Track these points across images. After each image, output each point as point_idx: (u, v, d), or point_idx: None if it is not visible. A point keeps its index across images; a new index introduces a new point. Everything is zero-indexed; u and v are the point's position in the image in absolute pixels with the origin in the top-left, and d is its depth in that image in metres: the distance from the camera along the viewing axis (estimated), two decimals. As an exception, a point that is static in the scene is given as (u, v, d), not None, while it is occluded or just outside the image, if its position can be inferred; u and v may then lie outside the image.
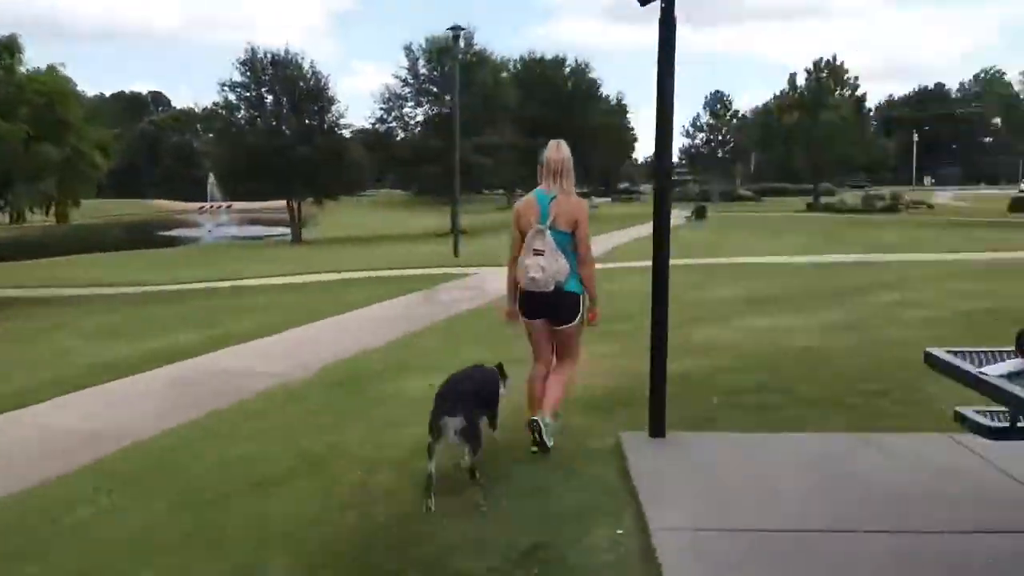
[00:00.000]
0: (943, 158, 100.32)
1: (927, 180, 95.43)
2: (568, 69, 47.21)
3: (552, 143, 4.20)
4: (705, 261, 17.16)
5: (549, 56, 47.16)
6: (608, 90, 49.69)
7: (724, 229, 30.49)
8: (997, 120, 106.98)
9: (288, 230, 41.11)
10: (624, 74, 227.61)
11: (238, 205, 61.76)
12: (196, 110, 79.33)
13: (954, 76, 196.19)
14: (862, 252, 18.21)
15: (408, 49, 40.87)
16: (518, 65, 46.40)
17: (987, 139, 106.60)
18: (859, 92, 57.49)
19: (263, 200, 49.31)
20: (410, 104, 42.06)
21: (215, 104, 39.65)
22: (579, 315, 4.17)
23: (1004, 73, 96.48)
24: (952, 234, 25.62)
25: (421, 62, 40.82)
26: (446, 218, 41.43)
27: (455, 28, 22.56)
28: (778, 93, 58.10)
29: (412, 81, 41.07)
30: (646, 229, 30.37)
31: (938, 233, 26.51)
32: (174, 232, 52.77)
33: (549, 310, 4.15)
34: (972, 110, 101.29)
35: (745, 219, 39.91)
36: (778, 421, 4.25)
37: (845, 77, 56.33)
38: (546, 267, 3.92)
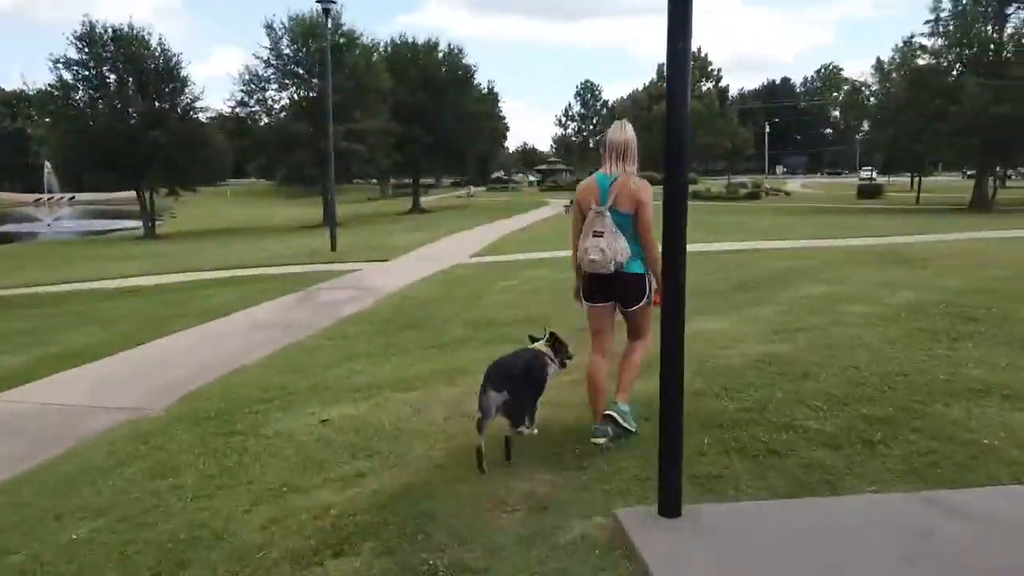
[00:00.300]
0: (790, 148, 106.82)
1: (779, 169, 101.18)
2: (441, 54, 45.63)
3: (616, 123, 4.16)
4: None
5: (421, 40, 45.42)
6: (477, 78, 48.18)
7: (606, 218, 30.18)
8: (836, 112, 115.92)
9: (140, 223, 37.49)
10: (489, 63, 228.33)
11: (83, 196, 56.55)
12: (28, 91, 71.42)
13: (798, 71, 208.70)
14: (749, 239, 18.15)
15: (270, 27, 37.94)
16: (388, 48, 44.32)
17: (827, 130, 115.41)
18: (721, 84, 59.83)
19: (113, 191, 45.03)
20: (274, 87, 39.21)
21: (49, 85, 35.28)
22: (647, 295, 4.04)
23: (842, 69, 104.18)
24: (822, 220, 26.46)
25: (285, 41, 38.04)
26: (317, 209, 39.21)
27: (324, 1, 20.71)
28: (647, 83, 59.44)
29: (275, 62, 38.21)
30: (529, 218, 29.53)
31: (808, 219, 27.34)
32: (7, 227, 47.39)
33: (614, 294, 4.06)
34: (815, 103, 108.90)
35: (622, 207, 40.15)
36: (804, 473, 3.32)
37: (709, 69, 58.31)
38: (606, 248, 3.86)
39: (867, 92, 39.49)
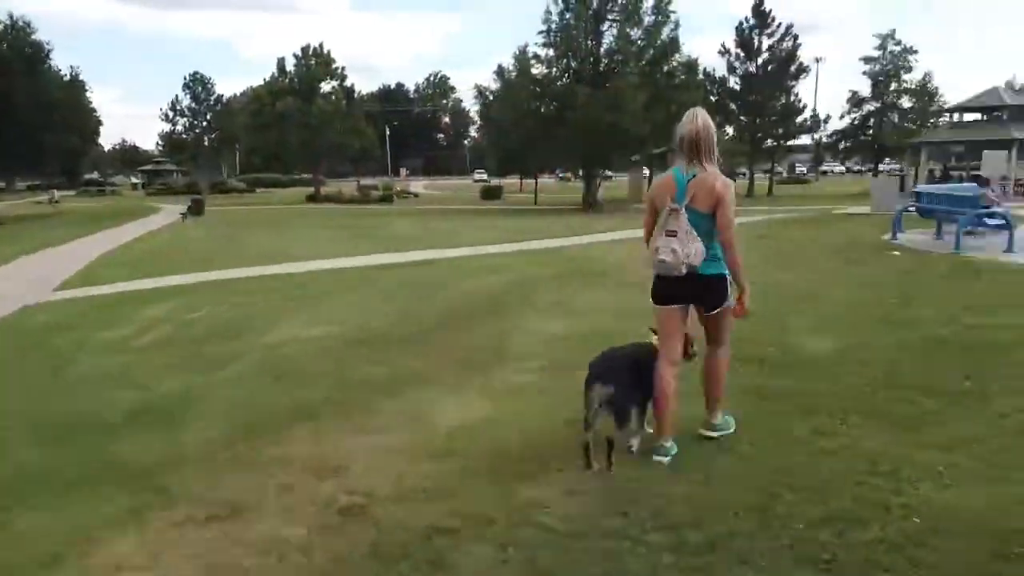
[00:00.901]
0: (408, 151, 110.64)
1: (402, 171, 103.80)
2: (1, 26, 36.37)
3: (688, 113, 3.82)
4: (244, 273, 13.20)
5: (-32, 7, 35.70)
6: (58, 63, 39.62)
7: (234, 227, 26.23)
8: (447, 119, 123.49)
9: None
10: (74, 49, 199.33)
11: None
12: None
13: (409, 78, 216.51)
14: (411, 249, 16.37)
15: None
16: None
17: (440, 135, 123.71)
18: (347, 83, 58.02)
19: None
20: None
21: None
22: (728, 297, 3.82)
23: (449, 78, 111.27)
24: (467, 223, 25.86)
25: None
26: None
27: None
28: (267, 78, 55.17)
29: None
30: (138, 228, 24.10)
31: (459, 221, 26.60)
32: None
33: (692, 297, 3.88)
34: (428, 108, 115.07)
35: (250, 213, 35.96)
36: None
37: (333, 67, 56.08)
38: (678, 249, 3.67)
39: (490, 97, 40.64)
